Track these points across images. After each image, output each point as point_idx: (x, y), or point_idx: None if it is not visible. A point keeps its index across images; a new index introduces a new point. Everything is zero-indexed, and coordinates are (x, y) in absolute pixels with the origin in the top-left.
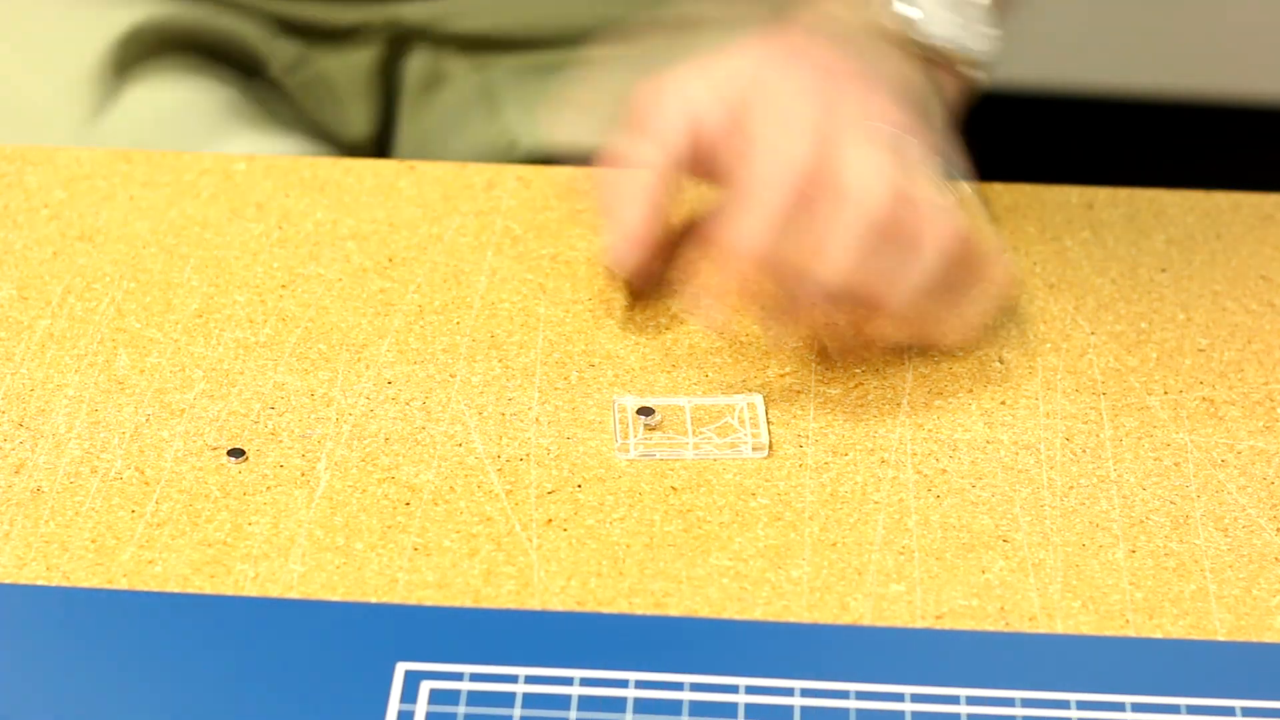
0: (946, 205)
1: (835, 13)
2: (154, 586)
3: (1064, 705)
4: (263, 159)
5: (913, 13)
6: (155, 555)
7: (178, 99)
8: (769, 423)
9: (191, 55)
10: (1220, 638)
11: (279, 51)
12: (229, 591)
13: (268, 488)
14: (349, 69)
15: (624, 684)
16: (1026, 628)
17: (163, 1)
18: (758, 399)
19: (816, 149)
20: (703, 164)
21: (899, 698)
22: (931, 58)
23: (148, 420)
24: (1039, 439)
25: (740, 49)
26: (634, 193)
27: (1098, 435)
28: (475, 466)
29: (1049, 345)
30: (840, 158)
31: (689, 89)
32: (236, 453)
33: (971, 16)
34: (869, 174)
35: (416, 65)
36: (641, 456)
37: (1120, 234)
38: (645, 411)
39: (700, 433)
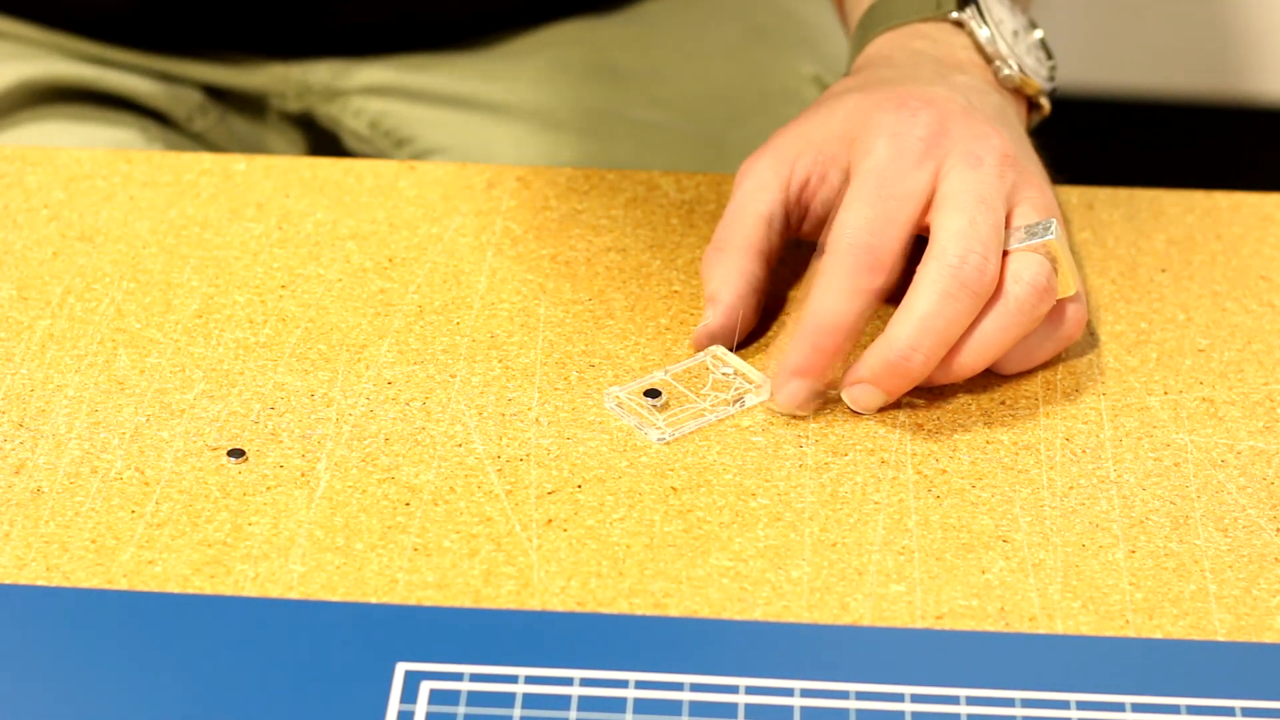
0: (1039, 263)
1: (915, 46)
2: (154, 587)
3: (1064, 705)
4: (262, 159)
5: (983, 33)
6: (155, 555)
7: (69, 142)
8: (745, 361)
9: (87, 104)
10: (1220, 638)
11: (182, 100)
12: (229, 592)
13: (268, 488)
14: (257, 123)
15: (624, 684)
16: (1026, 628)
17: (53, 60)
18: (718, 348)
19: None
20: (812, 225)
21: (899, 698)
22: (1007, 84)
23: (148, 421)
24: (1039, 439)
25: (839, 101)
26: (727, 275)
27: (1098, 435)
28: (475, 467)
29: None
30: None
31: (786, 157)
32: (236, 453)
33: (1031, 45)
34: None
35: (325, 116)
36: (674, 436)
37: (1120, 234)
38: (652, 394)
39: (703, 395)
